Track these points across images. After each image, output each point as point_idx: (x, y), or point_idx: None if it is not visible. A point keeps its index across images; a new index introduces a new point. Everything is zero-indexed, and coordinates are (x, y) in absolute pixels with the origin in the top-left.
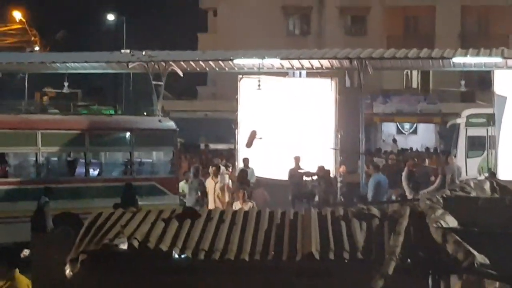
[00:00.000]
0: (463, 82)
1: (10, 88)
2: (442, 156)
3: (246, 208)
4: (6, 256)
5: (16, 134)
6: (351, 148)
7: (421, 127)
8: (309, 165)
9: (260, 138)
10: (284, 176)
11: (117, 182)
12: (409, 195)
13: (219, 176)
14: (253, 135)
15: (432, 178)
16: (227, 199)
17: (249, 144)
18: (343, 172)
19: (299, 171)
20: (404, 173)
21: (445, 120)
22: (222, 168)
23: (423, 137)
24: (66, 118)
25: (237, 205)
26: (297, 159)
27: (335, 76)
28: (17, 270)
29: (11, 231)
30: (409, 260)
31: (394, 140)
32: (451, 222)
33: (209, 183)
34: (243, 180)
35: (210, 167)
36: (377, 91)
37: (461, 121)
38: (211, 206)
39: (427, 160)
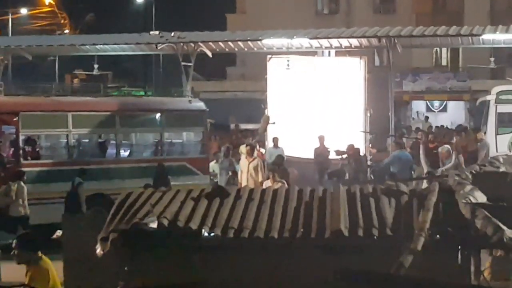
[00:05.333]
0: (492, 59)
1: (41, 71)
2: (472, 133)
3: (276, 187)
4: (28, 241)
5: (47, 116)
6: (381, 128)
7: (451, 104)
8: (339, 144)
9: (273, 123)
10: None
11: (148, 163)
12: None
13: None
14: (266, 121)
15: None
16: (260, 178)
17: (262, 130)
18: (373, 151)
19: (329, 149)
20: (421, 151)
21: (475, 97)
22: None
23: (452, 114)
24: (96, 100)
25: (267, 184)
26: (321, 138)
27: (364, 55)
28: (39, 254)
29: (43, 212)
30: (438, 236)
31: (426, 118)
32: (480, 197)
33: (243, 163)
34: (276, 160)
35: (244, 146)
36: (407, 69)
37: (491, 98)
38: (243, 185)
39: (455, 138)
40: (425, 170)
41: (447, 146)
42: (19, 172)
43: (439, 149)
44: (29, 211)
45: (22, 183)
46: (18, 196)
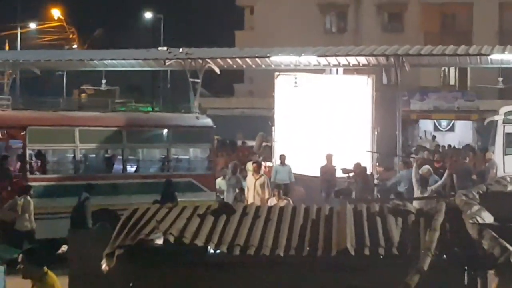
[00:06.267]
0: (501, 79)
1: (49, 86)
2: (479, 153)
3: (281, 204)
4: (34, 256)
5: (54, 131)
6: (388, 147)
7: (459, 124)
8: (346, 162)
9: (267, 142)
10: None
11: (155, 179)
12: (417, 192)
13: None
14: (260, 139)
15: (474, 177)
16: (267, 195)
17: (257, 147)
18: (380, 169)
19: (335, 168)
20: (413, 170)
21: (483, 117)
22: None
23: (460, 134)
24: (104, 115)
25: (272, 201)
26: (329, 157)
27: (372, 73)
28: (45, 269)
29: (49, 227)
30: (445, 256)
31: (434, 137)
32: (487, 218)
33: (250, 180)
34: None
35: (251, 163)
36: (414, 88)
37: (499, 118)
38: (250, 202)
39: (467, 158)
40: (415, 189)
41: (427, 166)
42: (25, 186)
43: (419, 170)
44: (35, 226)
45: (28, 198)
46: (24, 210)
